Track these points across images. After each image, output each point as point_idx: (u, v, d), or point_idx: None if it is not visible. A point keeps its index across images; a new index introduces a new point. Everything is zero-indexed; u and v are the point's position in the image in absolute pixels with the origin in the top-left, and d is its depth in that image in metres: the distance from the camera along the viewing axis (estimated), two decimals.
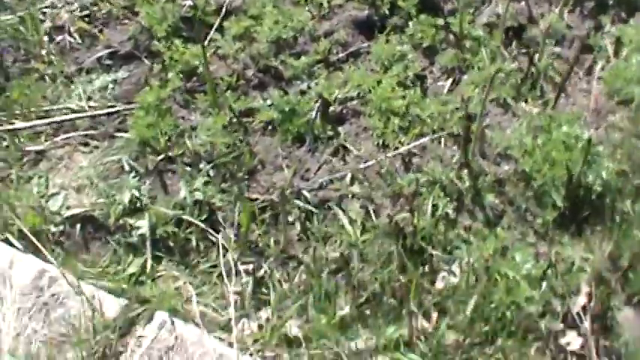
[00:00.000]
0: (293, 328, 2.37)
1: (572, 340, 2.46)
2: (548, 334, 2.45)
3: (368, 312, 2.46)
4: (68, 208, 2.62)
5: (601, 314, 2.49)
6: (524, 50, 3.13)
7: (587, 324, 2.49)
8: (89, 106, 2.92)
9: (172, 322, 2.27)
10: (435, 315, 2.44)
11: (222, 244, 2.55)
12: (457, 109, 2.89)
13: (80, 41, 3.17)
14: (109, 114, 2.91)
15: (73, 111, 2.92)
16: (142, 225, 2.57)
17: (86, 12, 3.26)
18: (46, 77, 3.01)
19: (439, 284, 2.53)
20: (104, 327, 2.29)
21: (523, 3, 3.28)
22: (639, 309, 2.55)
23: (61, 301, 2.33)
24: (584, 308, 2.50)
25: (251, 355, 2.27)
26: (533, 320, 2.44)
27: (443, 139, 2.86)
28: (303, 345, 2.35)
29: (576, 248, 2.62)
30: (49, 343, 2.23)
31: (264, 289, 2.52)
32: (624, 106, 2.99)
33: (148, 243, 2.57)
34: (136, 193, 2.63)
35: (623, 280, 2.57)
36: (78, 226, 2.61)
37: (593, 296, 2.52)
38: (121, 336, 2.29)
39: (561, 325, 2.48)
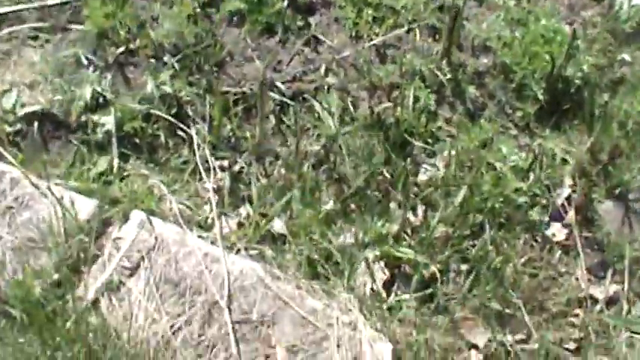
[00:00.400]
0: (276, 224, 2.23)
1: (557, 232, 2.42)
2: (535, 226, 2.37)
3: (353, 206, 2.34)
4: (23, 105, 2.42)
5: (584, 206, 2.45)
6: None
7: (571, 215, 2.43)
8: None
9: (151, 222, 2.11)
10: (421, 209, 2.34)
11: (196, 140, 2.37)
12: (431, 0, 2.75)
13: None
14: (60, 4, 2.66)
15: (17, 2, 2.65)
16: (107, 121, 2.39)
17: None
18: None
19: (423, 177, 2.43)
20: (77, 230, 2.11)
21: None
22: (619, 201, 2.54)
23: (26, 204, 2.15)
24: (568, 200, 2.45)
25: (237, 252, 2.13)
26: (521, 212, 2.36)
27: (418, 31, 2.72)
28: (289, 241, 2.20)
29: (557, 141, 2.55)
30: (18, 249, 2.04)
31: (241, 185, 2.38)
32: (597, 2, 2.90)
33: (114, 140, 2.39)
34: (98, 88, 2.44)
35: (604, 173, 2.53)
36: (35, 124, 2.41)
37: (576, 188, 2.44)
38: (96, 238, 2.12)
39: (547, 217, 2.40)
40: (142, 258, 2.05)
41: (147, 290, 2.00)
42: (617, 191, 2.53)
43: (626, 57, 2.79)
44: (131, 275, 2.03)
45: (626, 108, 2.60)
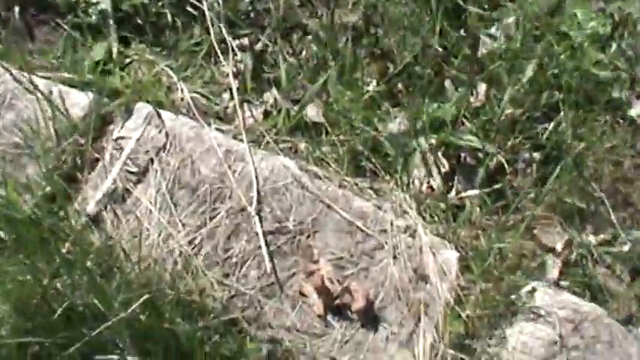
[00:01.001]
0: (310, 111, 1.84)
1: None
2: (618, 106, 1.96)
3: (400, 87, 1.93)
4: None
5: None
6: None
7: None
8: None
9: (159, 115, 1.71)
10: (483, 87, 1.93)
11: (209, 16, 1.95)
12: None
13: None
14: None
15: None
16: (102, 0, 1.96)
17: None
18: None
19: (482, 50, 2.01)
20: (70, 130, 1.72)
21: None
22: None
23: (8, 103, 1.76)
24: None
25: (266, 145, 1.75)
26: (601, 88, 1.94)
27: None
28: (327, 130, 1.82)
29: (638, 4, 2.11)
30: (1, 158, 1.66)
31: (265, 67, 1.98)
32: None
33: (111, 22, 1.99)
34: None
35: None
36: (16, 8, 1.99)
37: None
38: (94, 139, 1.73)
39: (630, 95, 1.99)
40: (151, 160, 1.68)
41: (158, 199, 1.63)
42: None
43: None
44: (139, 182, 1.67)
45: None
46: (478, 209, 1.82)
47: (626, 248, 1.87)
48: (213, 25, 2.00)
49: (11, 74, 1.79)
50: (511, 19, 2.06)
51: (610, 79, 2.01)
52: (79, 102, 1.76)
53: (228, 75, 1.95)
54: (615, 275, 1.87)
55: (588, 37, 2.03)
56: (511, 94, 1.93)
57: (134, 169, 1.69)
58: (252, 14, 2.08)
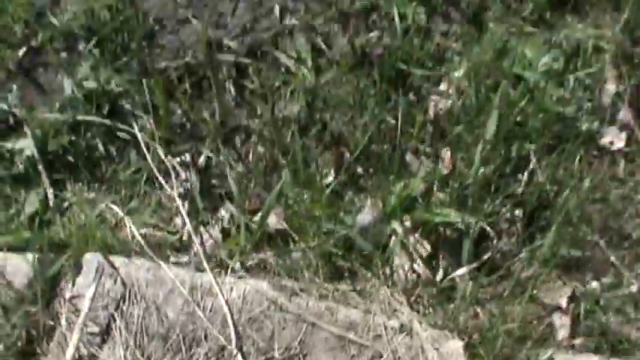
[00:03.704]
0: (271, 220, 1.75)
1: (615, 138, 1.99)
2: (588, 139, 1.91)
3: (360, 171, 1.85)
4: None
5: (636, 98, 1.98)
6: None
7: (625, 113, 1.98)
8: None
9: (111, 264, 1.61)
10: (447, 152, 1.86)
11: (143, 140, 1.87)
12: None
13: None
14: None
15: None
16: (26, 145, 1.89)
17: None
18: None
19: (434, 111, 1.94)
20: (18, 301, 1.61)
21: None
22: None
23: None
24: (617, 95, 1.97)
25: (232, 271, 1.65)
26: (568, 125, 1.89)
27: None
28: (293, 238, 1.73)
29: (583, 27, 2.11)
30: None
31: (214, 181, 1.89)
32: None
33: (40, 167, 1.88)
34: (4, 106, 1.92)
35: None
36: None
37: (624, 77, 1.98)
38: (45, 306, 1.62)
39: (597, 124, 1.94)
40: (112, 315, 1.56)
41: (129, 357, 1.51)
42: None
43: None
44: (103, 342, 1.55)
45: None
46: (471, 285, 1.73)
47: (634, 288, 1.79)
48: (149, 149, 1.90)
49: None
50: (460, 72, 2.00)
51: (575, 113, 1.94)
52: (20, 268, 1.67)
53: (175, 198, 1.85)
54: (629, 319, 1.79)
55: (543, 75, 1.96)
56: (477, 154, 1.84)
57: (96, 330, 1.59)
58: (187, 126, 1.99)
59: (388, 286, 1.69)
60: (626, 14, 2.13)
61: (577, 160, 1.95)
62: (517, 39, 2.11)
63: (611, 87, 2.08)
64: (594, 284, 1.82)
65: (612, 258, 1.84)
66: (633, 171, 1.99)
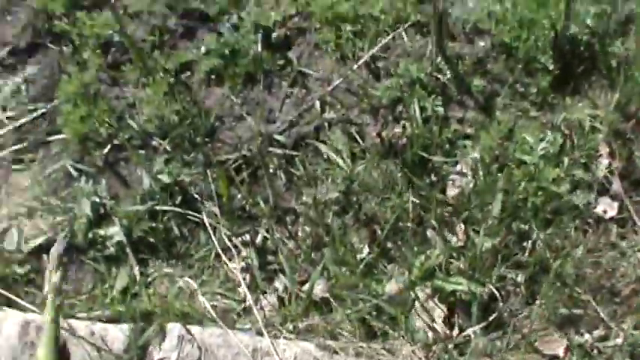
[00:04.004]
0: (317, 289, 2.19)
1: (608, 207, 2.36)
2: (583, 210, 2.30)
3: (390, 245, 2.28)
4: (27, 241, 2.38)
5: (628, 169, 2.38)
6: None
7: (617, 184, 2.35)
8: (8, 118, 2.64)
9: (189, 332, 2.07)
10: (461, 227, 2.28)
11: (210, 223, 2.32)
12: None
13: None
14: (33, 119, 2.62)
15: None
16: (115, 233, 2.36)
17: None
18: None
19: (452, 191, 2.37)
20: None
21: None
22: None
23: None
24: (609, 170, 2.35)
25: (285, 336, 2.09)
26: (565, 200, 2.28)
27: (404, 33, 2.63)
28: (334, 306, 2.16)
29: (581, 108, 2.48)
30: None
31: (269, 256, 2.33)
32: None
33: (128, 249, 2.35)
34: (96, 199, 2.40)
35: (638, 125, 2.47)
36: (45, 256, 2.37)
37: (615, 154, 2.36)
38: None
39: (593, 195, 2.32)
40: None
41: None
42: None
43: None
44: None
45: None
46: (482, 340, 2.13)
47: (619, 341, 2.16)
48: (215, 231, 2.36)
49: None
50: (473, 155, 2.40)
51: (569, 191, 2.33)
52: (117, 336, 2.12)
53: (238, 272, 2.30)
54: None
55: (541, 158, 2.36)
56: (486, 228, 2.25)
57: None
58: (246, 209, 2.43)
59: (410, 344, 2.10)
60: (617, 94, 2.49)
61: (573, 228, 2.33)
62: (522, 123, 2.49)
63: (604, 161, 2.45)
64: (587, 336, 2.19)
65: (602, 314, 2.21)
66: (624, 235, 2.36)
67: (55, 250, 2.13)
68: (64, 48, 2.80)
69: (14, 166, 2.59)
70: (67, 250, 2.27)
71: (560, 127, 2.45)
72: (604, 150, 2.42)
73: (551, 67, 2.52)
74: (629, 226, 2.34)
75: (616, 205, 2.37)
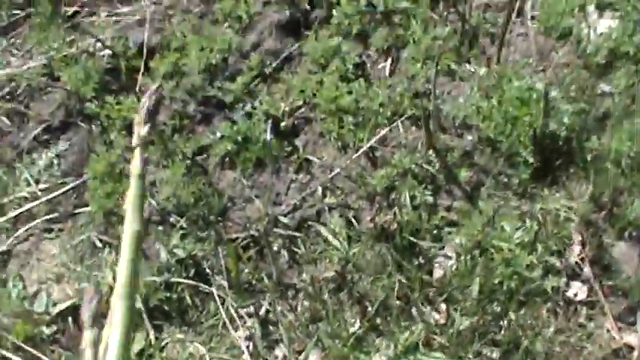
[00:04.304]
0: (311, 359, 2.48)
1: (579, 290, 2.63)
2: (554, 293, 2.58)
3: (378, 320, 2.57)
4: (55, 304, 2.68)
5: (598, 256, 2.65)
6: (453, 10, 3.19)
7: (587, 270, 2.63)
8: (40, 190, 2.96)
9: None
10: (443, 306, 2.57)
11: (219, 295, 2.63)
12: (405, 89, 2.97)
13: (9, 123, 3.17)
14: (63, 193, 2.94)
15: (26, 199, 2.95)
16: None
17: (6, 90, 3.22)
18: None
19: (438, 273, 2.65)
20: None
21: None
22: (631, 241, 2.73)
23: None
24: (580, 257, 2.64)
25: None
26: (538, 284, 2.57)
27: (400, 125, 2.94)
28: None
29: (558, 198, 2.76)
30: None
31: (271, 327, 2.62)
32: (564, 40, 3.08)
33: (144, 316, 2.64)
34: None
35: (609, 217, 2.71)
36: (70, 319, 2.67)
37: (586, 242, 2.65)
38: None
39: (564, 280, 2.61)
40: None
41: None
42: (626, 232, 2.73)
43: (605, 88, 2.96)
44: None
45: (616, 146, 2.78)
46: None
47: None
48: (224, 302, 2.66)
49: None
50: (457, 240, 2.70)
51: (542, 276, 2.62)
52: None
53: (242, 340, 2.60)
54: None
55: (517, 245, 2.65)
56: (465, 308, 2.55)
57: None
58: (252, 283, 2.74)
59: None
60: (591, 186, 2.79)
61: (545, 310, 2.62)
62: (503, 211, 2.79)
63: (576, 249, 2.74)
64: None
65: None
66: (592, 317, 2.64)
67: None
68: (94, 128, 3.11)
69: (45, 235, 2.90)
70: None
71: (537, 216, 2.72)
72: (576, 238, 2.69)
73: (531, 161, 2.79)
74: (597, 309, 2.61)
75: (586, 288, 2.64)
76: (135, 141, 1.50)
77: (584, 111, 2.91)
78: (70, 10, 3.44)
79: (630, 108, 2.88)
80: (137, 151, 1.49)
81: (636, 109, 2.84)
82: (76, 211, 2.94)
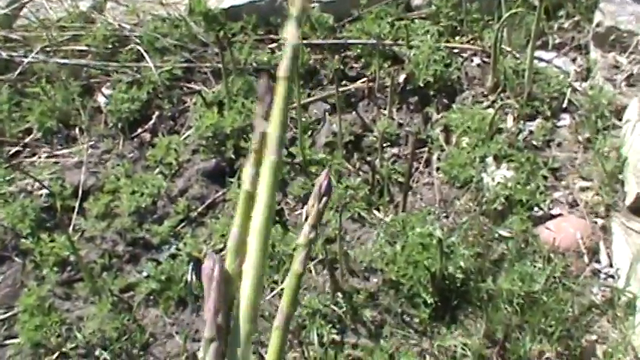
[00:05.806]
0: None
1: None
2: None
3: None
4: None
5: None
6: (365, 161, 3.57)
7: None
8: None
9: None
10: None
11: None
12: (317, 235, 3.30)
13: None
14: None
15: None
16: None
17: None
18: None
19: None
20: None
21: (354, 113, 3.72)
22: None
23: None
24: None
25: None
26: None
27: (312, 268, 3.27)
28: None
29: (456, 335, 3.07)
30: None
31: None
32: (466, 189, 3.46)
33: None
34: None
35: (501, 353, 3.02)
36: None
37: None
38: None
39: None
40: None
41: None
42: None
43: (503, 232, 3.31)
44: None
45: (509, 287, 3.07)
46: None
47: None
48: None
49: None
50: None
51: None
52: None
53: None
54: None
55: None
56: None
57: None
58: None
59: None
60: (484, 324, 3.11)
61: None
62: (403, 349, 3.10)
63: None
64: None
65: None
66: None
67: None
68: (27, 263, 3.39)
69: None
70: None
71: (434, 353, 3.03)
72: None
73: (430, 301, 3.11)
74: None
75: None
76: (301, 240, 1.54)
77: (480, 254, 3.24)
78: (13, 149, 3.73)
79: (523, 251, 3.22)
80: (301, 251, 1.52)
81: (527, 253, 3.19)
82: (6, 342, 3.16)
